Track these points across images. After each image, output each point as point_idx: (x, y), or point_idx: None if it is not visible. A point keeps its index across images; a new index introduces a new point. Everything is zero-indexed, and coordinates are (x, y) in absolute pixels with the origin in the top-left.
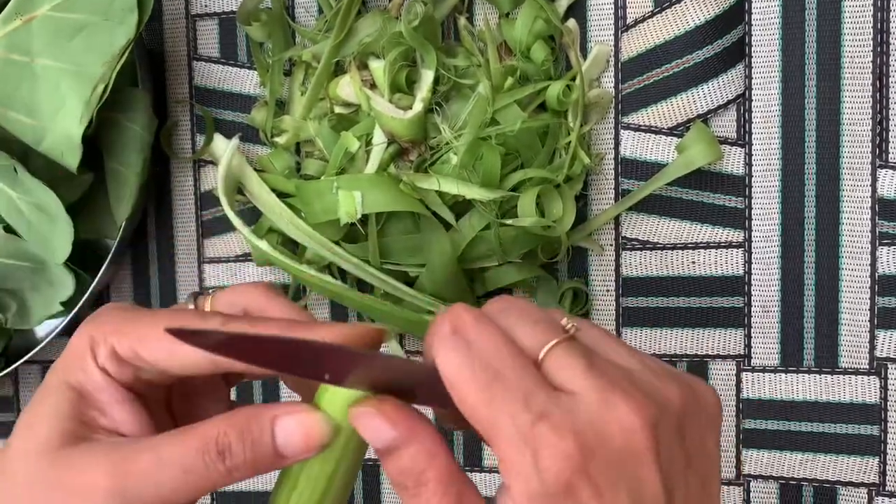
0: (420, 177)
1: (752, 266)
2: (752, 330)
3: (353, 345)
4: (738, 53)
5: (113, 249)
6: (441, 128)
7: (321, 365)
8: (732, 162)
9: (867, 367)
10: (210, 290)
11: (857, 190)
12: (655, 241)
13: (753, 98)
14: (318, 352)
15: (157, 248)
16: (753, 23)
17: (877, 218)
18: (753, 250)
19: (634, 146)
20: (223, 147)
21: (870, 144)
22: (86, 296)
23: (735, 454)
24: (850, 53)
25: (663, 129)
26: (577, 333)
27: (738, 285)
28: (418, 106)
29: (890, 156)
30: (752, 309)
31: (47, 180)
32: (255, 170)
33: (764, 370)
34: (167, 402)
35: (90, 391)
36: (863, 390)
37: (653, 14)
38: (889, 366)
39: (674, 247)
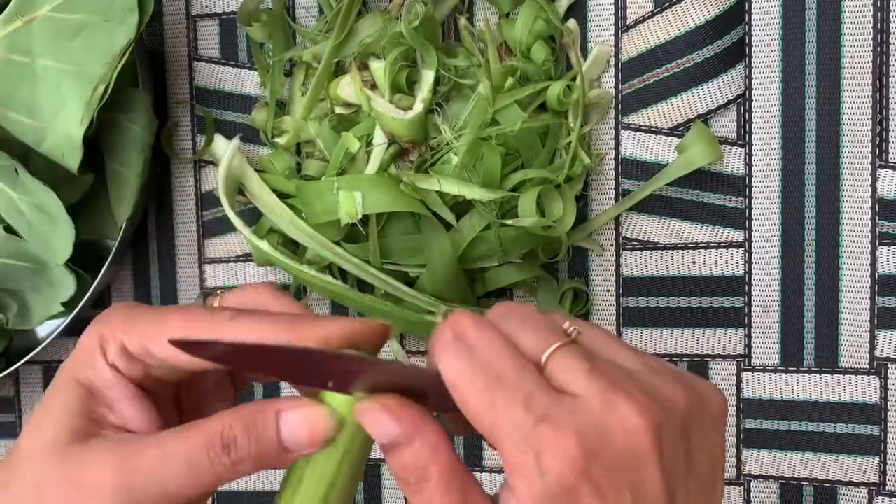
0: (420, 177)
1: (753, 266)
2: (753, 330)
3: (358, 340)
4: (739, 53)
5: (114, 250)
6: (441, 128)
7: (324, 374)
8: (732, 162)
9: (867, 367)
10: (219, 291)
11: (857, 190)
12: (656, 241)
13: (753, 98)
14: (320, 361)
15: (158, 248)
16: (753, 23)
17: (877, 218)
18: (754, 250)
19: (635, 146)
20: (224, 147)
21: (870, 144)
22: (86, 296)
23: (735, 454)
24: (850, 53)
25: (663, 129)
26: (579, 337)
27: (738, 285)
28: (419, 106)
29: (890, 156)
30: (753, 309)
31: (48, 181)
32: (256, 170)
33: (764, 370)
34: (176, 401)
35: (99, 388)
36: (863, 390)
37: (653, 14)
38: (889, 366)
39: (674, 247)
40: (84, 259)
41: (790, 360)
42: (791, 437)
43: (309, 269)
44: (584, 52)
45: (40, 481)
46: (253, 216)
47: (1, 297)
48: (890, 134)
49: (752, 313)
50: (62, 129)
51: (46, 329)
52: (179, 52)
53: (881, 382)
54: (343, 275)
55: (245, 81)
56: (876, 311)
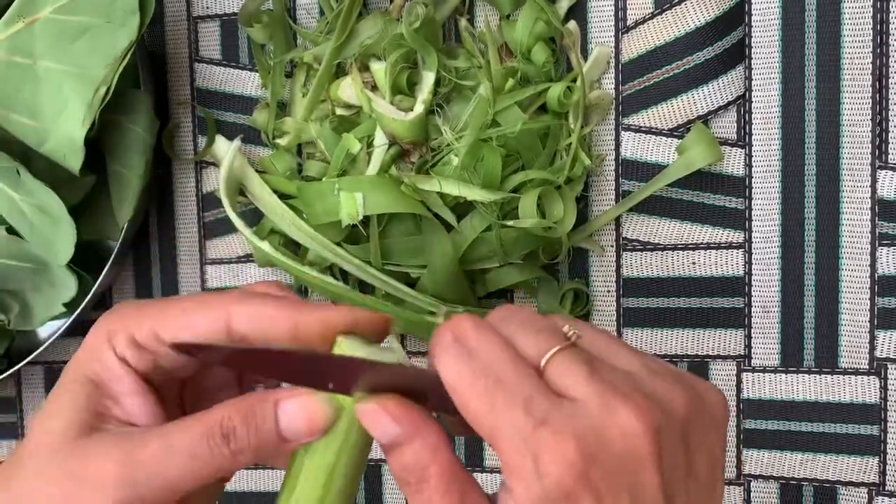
0: (421, 178)
1: (753, 267)
2: (753, 330)
3: (360, 328)
4: (738, 55)
5: (115, 251)
6: (442, 129)
7: (325, 375)
8: (733, 163)
9: (867, 367)
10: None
11: (856, 191)
12: (656, 241)
13: (753, 99)
14: (321, 364)
15: (160, 249)
16: (753, 24)
17: (877, 219)
18: (754, 251)
19: (635, 147)
20: (225, 148)
21: (869, 145)
22: (88, 297)
23: (735, 454)
24: (850, 54)
25: (664, 130)
26: (579, 340)
27: (738, 286)
28: (419, 107)
29: (890, 157)
30: (753, 309)
31: (50, 182)
32: (257, 171)
33: (764, 370)
34: (180, 399)
35: (106, 381)
36: (863, 390)
37: (653, 16)
38: (889, 366)
39: (674, 247)
40: (85, 260)
41: (790, 360)
42: (791, 437)
43: (310, 270)
44: (585, 53)
45: (42, 479)
46: (254, 217)
47: (2, 298)
48: (890, 135)
49: (752, 314)
50: (64, 131)
51: (48, 330)
52: (181, 54)
53: (881, 383)
54: (344, 276)
55: (246, 83)
56: (876, 312)
